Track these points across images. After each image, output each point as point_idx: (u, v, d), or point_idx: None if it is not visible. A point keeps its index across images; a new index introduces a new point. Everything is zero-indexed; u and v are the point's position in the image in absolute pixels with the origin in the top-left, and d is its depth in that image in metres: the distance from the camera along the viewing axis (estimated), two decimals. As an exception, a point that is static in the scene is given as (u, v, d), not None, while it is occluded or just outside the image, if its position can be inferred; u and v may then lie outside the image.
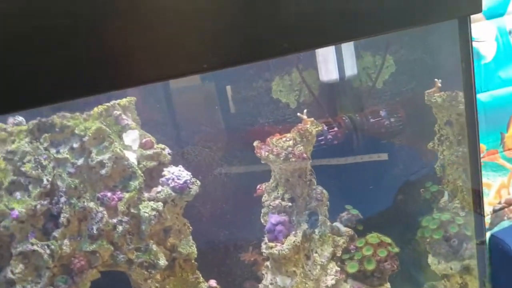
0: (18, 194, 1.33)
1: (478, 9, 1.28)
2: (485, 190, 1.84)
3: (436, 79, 1.70)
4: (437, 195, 1.77)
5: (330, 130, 1.84)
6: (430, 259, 1.75)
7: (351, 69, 1.87)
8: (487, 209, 1.86)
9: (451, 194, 1.75)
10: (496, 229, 1.88)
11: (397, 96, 1.89)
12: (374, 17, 1.12)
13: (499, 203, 1.89)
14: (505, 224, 1.90)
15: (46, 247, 1.32)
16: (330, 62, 1.87)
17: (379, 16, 1.12)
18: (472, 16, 1.61)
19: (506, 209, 1.91)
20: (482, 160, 1.81)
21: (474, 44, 1.68)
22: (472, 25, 1.65)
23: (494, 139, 1.80)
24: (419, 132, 1.85)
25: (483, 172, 1.83)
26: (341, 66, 1.86)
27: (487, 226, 1.87)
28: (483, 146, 1.81)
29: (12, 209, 1.30)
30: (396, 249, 1.68)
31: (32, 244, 1.31)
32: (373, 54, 1.90)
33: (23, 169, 1.32)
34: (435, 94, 1.71)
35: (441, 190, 1.77)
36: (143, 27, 0.89)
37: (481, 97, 1.73)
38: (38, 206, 1.32)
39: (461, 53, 1.35)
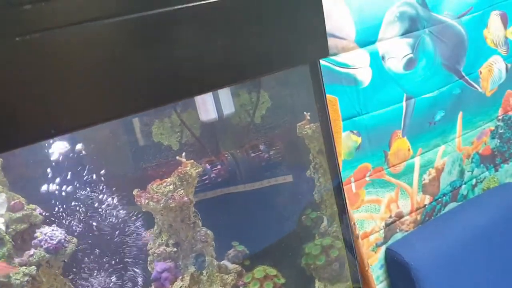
0: None
1: (325, 53, 1.39)
2: (376, 206, 1.98)
3: (305, 112, 1.81)
4: (317, 221, 1.87)
5: (214, 169, 1.87)
6: (317, 284, 1.83)
7: (229, 107, 1.93)
8: (380, 224, 1.99)
9: (329, 218, 1.85)
10: (390, 242, 2.02)
11: (274, 129, 1.97)
12: (234, 68, 1.18)
13: (390, 217, 2.03)
14: (398, 236, 2.04)
15: None
16: (208, 103, 1.91)
17: (238, 67, 1.19)
18: (346, 45, 1.75)
19: (397, 222, 2.06)
20: (369, 178, 1.95)
21: (351, 71, 1.82)
22: (347, 54, 1.81)
23: (378, 157, 1.94)
24: (297, 162, 1.94)
25: (371, 189, 1.97)
26: (218, 105, 1.92)
27: (381, 240, 2.00)
28: (368, 165, 1.95)
29: None
30: (282, 280, 1.74)
31: None
32: (248, 91, 1.97)
33: None
34: (306, 126, 1.81)
35: (320, 216, 1.87)
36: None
37: (362, 119, 1.86)
38: None
39: (314, 93, 1.46)
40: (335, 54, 1.75)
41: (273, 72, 1.40)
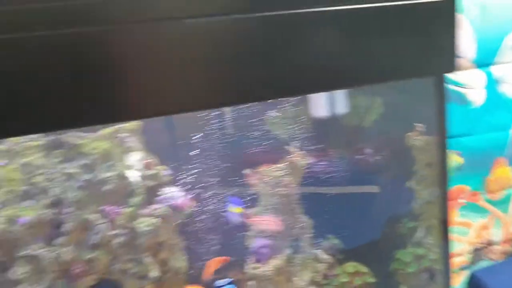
0: (27, 203, 1.47)
1: (452, 69, 1.43)
2: (465, 229, 1.97)
3: (417, 124, 1.85)
4: (413, 230, 1.90)
5: (318, 164, 1.98)
6: (401, 291, 1.87)
7: (342, 107, 2.03)
8: (467, 248, 1.98)
9: (425, 230, 1.88)
10: (474, 267, 2.00)
11: (382, 135, 2.03)
12: (364, 70, 1.27)
13: (479, 242, 2.01)
14: (484, 263, 2.02)
15: (49, 252, 1.46)
16: (323, 100, 2.03)
17: (367, 70, 1.27)
18: (463, 64, 1.77)
19: (486, 248, 2.03)
20: (464, 200, 1.94)
21: (463, 90, 1.84)
22: (462, 72, 1.81)
23: (477, 181, 1.92)
24: (400, 171, 1.98)
25: (464, 212, 1.97)
26: (333, 104, 2.02)
27: (467, 264, 1.99)
28: (466, 187, 1.94)
29: (21, 216, 1.44)
30: (372, 279, 1.80)
31: (37, 249, 1.45)
32: (364, 95, 2.05)
33: (34, 180, 1.47)
34: (416, 137, 1.85)
35: (416, 227, 1.90)
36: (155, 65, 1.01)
37: (467, 140, 1.87)
38: (45, 215, 1.46)
39: (436, 106, 1.51)
40: (449, 72, 1.77)
41: (400, 79, 1.47)
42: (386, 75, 1.34)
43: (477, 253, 2.01)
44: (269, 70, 1.11)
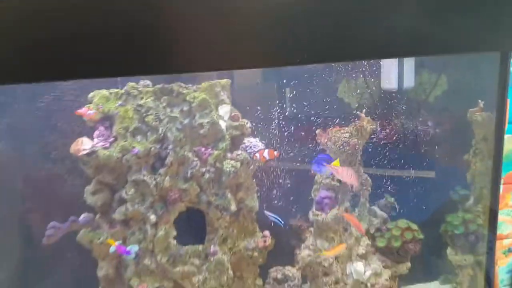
0: (139, 137, 1.80)
1: (517, 47, 1.57)
2: None
3: (479, 101, 2.00)
4: (464, 197, 2.07)
5: (383, 131, 2.18)
6: (449, 250, 2.06)
7: (409, 81, 2.20)
8: None
9: (476, 199, 2.05)
10: None
11: (445, 111, 2.20)
12: (434, 40, 1.41)
13: None
14: None
15: (152, 179, 1.78)
16: (392, 74, 2.21)
17: (437, 40, 1.42)
18: None
19: None
20: None
21: None
22: None
23: None
24: (458, 143, 2.14)
25: None
26: (401, 78, 2.20)
27: None
28: None
29: (134, 147, 1.76)
30: (421, 236, 2.01)
31: (144, 175, 1.78)
32: (429, 72, 2.21)
33: (146, 119, 1.78)
34: (477, 113, 2.01)
35: (468, 194, 2.07)
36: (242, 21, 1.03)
37: None
38: (152, 149, 1.78)
39: (499, 83, 1.66)
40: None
41: (464, 52, 1.61)
42: (451, 46, 1.46)
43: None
44: (345, 31, 1.14)
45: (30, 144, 1.98)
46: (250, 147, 1.92)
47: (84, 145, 1.74)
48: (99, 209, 1.85)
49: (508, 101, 1.96)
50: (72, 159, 1.82)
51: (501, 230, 2.04)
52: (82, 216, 1.84)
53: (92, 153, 1.75)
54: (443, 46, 1.36)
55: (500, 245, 2.11)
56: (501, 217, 2.08)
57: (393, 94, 2.25)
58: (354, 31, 1.14)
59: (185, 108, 1.80)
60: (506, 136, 1.97)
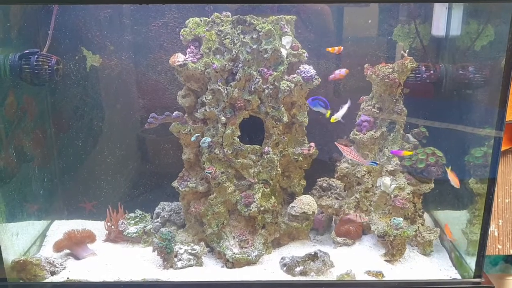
0: (218, 56, 2.35)
1: None
2: None
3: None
4: (489, 137, 2.33)
5: (427, 71, 2.49)
6: (470, 179, 2.37)
7: (456, 30, 2.47)
8: None
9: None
10: None
11: (488, 60, 2.42)
12: None
13: None
14: None
15: (225, 89, 2.34)
16: (442, 21, 2.49)
17: None
18: None
19: None
20: None
21: None
22: None
23: None
24: (494, 91, 2.37)
25: None
26: (449, 26, 2.48)
27: None
28: None
29: (213, 63, 2.32)
30: (444, 161, 2.34)
31: (219, 86, 2.34)
32: (478, 23, 2.44)
33: (224, 42, 2.32)
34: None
35: (492, 132, 2.32)
36: None
37: None
38: (227, 66, 2.32)
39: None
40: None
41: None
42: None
43: None
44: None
45: (143, 58, 2.66)
46: (304, 72, 2.38)
47: (178, 58, 2.34)
48: (186, 109, 2.46)
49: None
50: (171, 72, 2.45)
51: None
52: (174, 113, 2.46)
53: (183, 65, 2.33)
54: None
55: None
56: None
57: (441, 40, 2.53)
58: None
59: (254, 36, 2.30)
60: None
